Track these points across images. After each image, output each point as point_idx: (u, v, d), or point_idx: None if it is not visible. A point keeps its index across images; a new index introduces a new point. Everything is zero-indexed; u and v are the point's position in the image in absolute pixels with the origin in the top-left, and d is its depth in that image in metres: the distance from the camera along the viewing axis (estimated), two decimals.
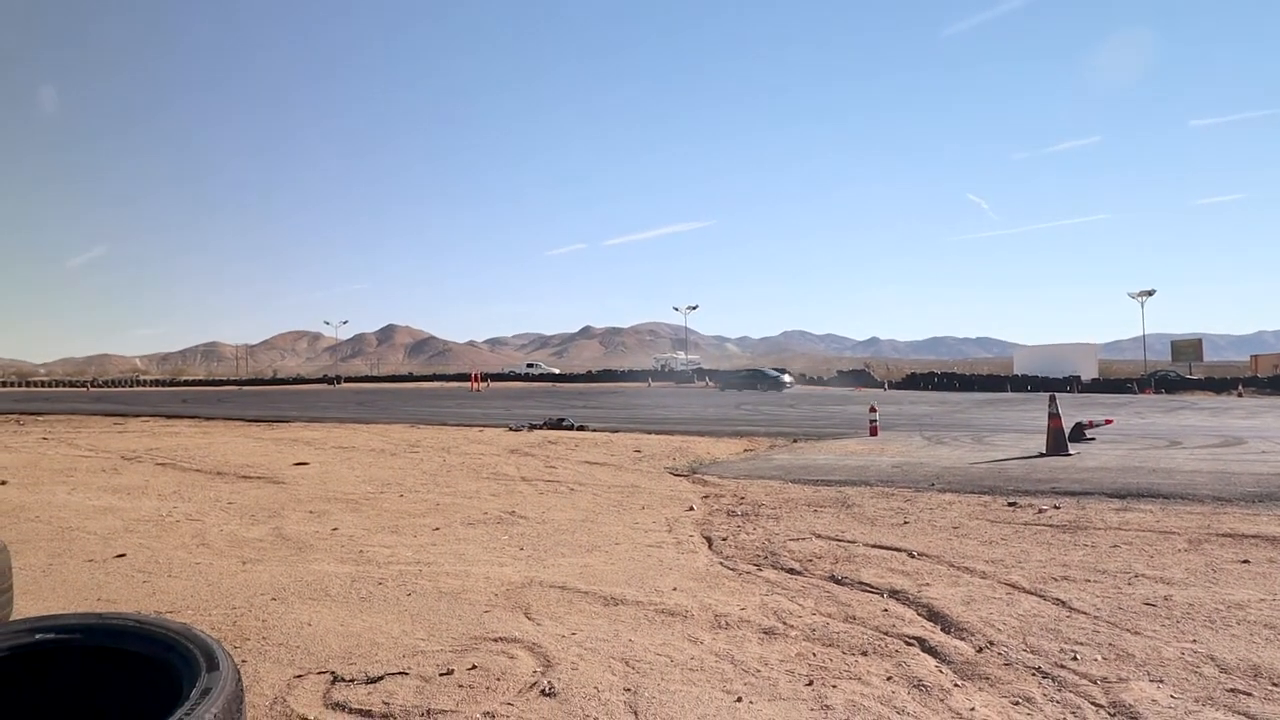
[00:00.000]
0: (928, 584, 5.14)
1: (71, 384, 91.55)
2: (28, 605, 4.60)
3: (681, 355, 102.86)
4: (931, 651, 3.97)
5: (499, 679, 3.63)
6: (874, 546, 6.25)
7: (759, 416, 23.68)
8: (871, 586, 5.14)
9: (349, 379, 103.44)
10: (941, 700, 3.38)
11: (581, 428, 17.46)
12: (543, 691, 3.48)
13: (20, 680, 1.76)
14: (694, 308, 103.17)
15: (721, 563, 5.84)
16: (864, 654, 3.95)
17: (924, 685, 3.54)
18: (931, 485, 9.24)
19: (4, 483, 9.67)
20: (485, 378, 72.22)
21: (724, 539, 6.57)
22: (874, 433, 16.07)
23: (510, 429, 17.37)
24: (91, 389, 76.73)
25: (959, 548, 6.16)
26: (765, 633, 4.27)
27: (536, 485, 9.43)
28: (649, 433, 16.54)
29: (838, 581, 5.29)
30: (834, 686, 3.53)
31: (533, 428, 17.41)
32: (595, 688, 3.52)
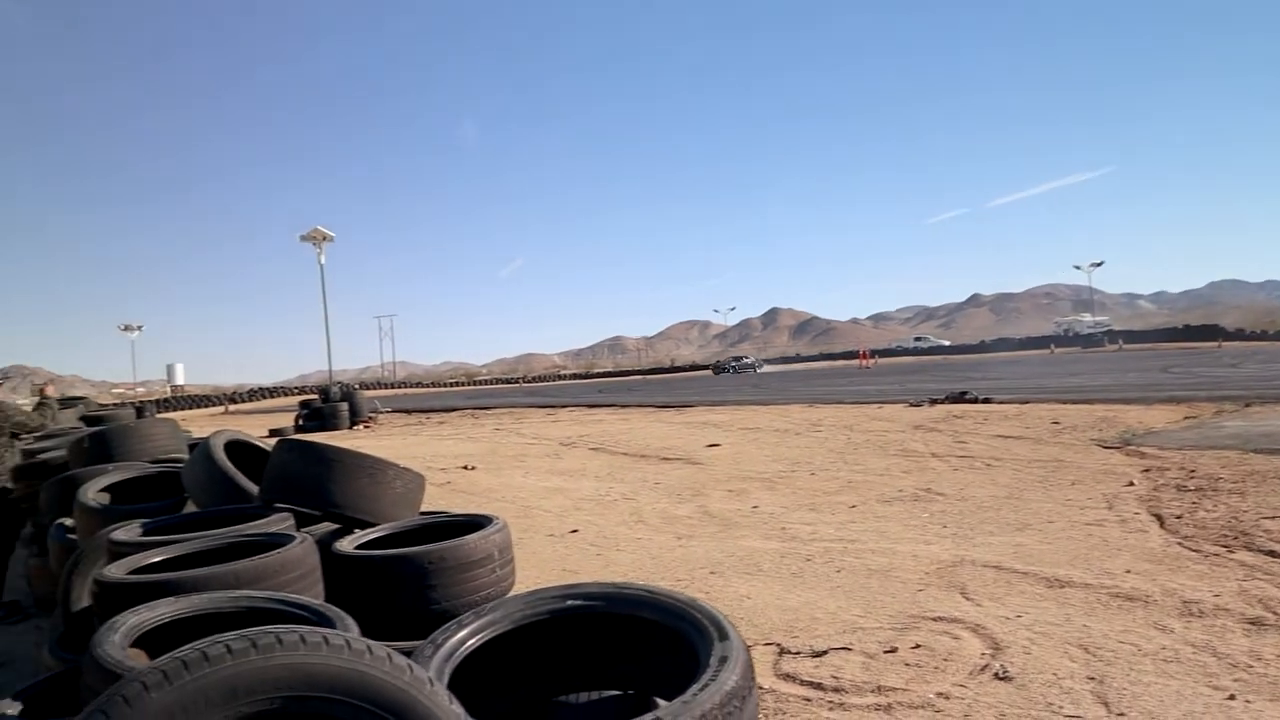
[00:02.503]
0: None
1: (506, 381, 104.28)
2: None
3: (1087, 317, 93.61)
4: None
5: (946, 659, 3.56)
6: None
7: (1194, 379, 20.89)
8: None
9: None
10: None
11: (986, 400, 16.56)
12: (996, 675, 3.35)
13: (557, 639, 2.04)
14: (1098, 264, 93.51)
15: (1180, 543, 5.23)
16: None
17: None
18: None
19: (474, 468, 11.27)
20: (873, 354, 71.15)
21: (1178, 517, 5.88)
22: None
23: (910, 404, 16.95)
24: (523, 384, 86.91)
25: None
26: (1251, 623, 3.76)
27: (949, 461, 9.11)
28: (1064, 402, 15.27)
29: None
30: None
31: (933, 402, 16.84)
32: (1054, 674, 3.33)
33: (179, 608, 2.21)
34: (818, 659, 3.69)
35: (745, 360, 71.52)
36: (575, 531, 6.82)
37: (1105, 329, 78.88)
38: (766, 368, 67.53)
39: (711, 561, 5.56)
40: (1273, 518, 5.63)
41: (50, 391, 7.80)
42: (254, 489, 3.92)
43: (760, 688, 3.44)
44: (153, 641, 2.25)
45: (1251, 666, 3.28)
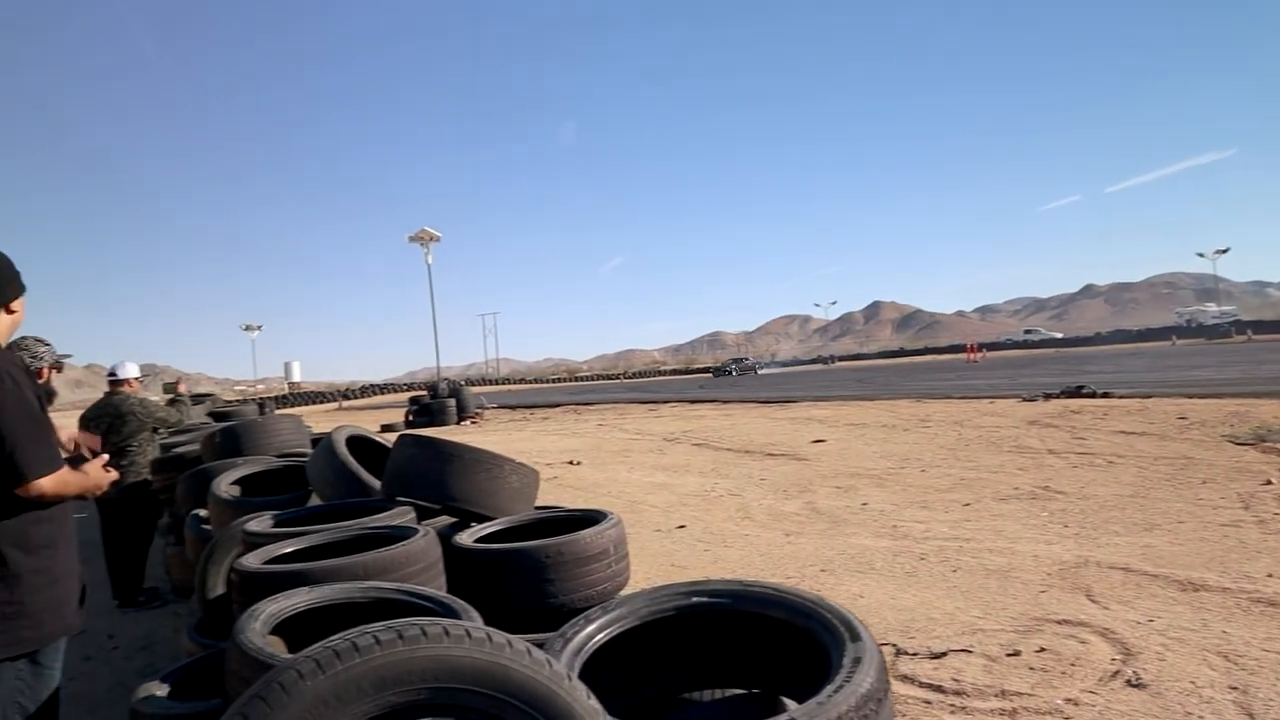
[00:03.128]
0: None
1: (607, 377, 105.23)
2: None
3: (1212, 307, 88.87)
4: None
5: (1074, 664, 3.43)
6: None
7: None
8: None
9: (841, 358, 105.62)
10: None
11: (1105, 394, 15.88)
12: (1129, 682, 3.21)
13: (682, 636, 2.04)
14: (1223, 251, 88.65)
15: None
16: None
17: None
18: None
19: (579, 463, 11.41)
20: (981, 347, 69.08)
21: None
22: None
23: (1023, 399, 16.39)
24: (623, 380, 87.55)
25: None
26: None
27: (1067, 458, 8.77)
28: (1190, 396, 14.53)
29: None
30: None
31: (1048, 396, 16.23)
32: (1192, 682, 3.17)
33: (313, 597, 2.29)
34: (936, 661, 3.61)
35: (746, 361, 73.59)
36: (682, 527, 6.83)
37: (1232, 319, 74.81)
38: (767, 370, 69.22)
39: (822, 559, 5.49)
40: None
41: (183, 389, 8.20)
42: (374, 483, 4.04)
43: None
44: (287, 629, 2.35)
45: None
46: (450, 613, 2.23)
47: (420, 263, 39.31)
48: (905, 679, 3.46)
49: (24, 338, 3.77)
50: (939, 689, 3.32)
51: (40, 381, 3.64)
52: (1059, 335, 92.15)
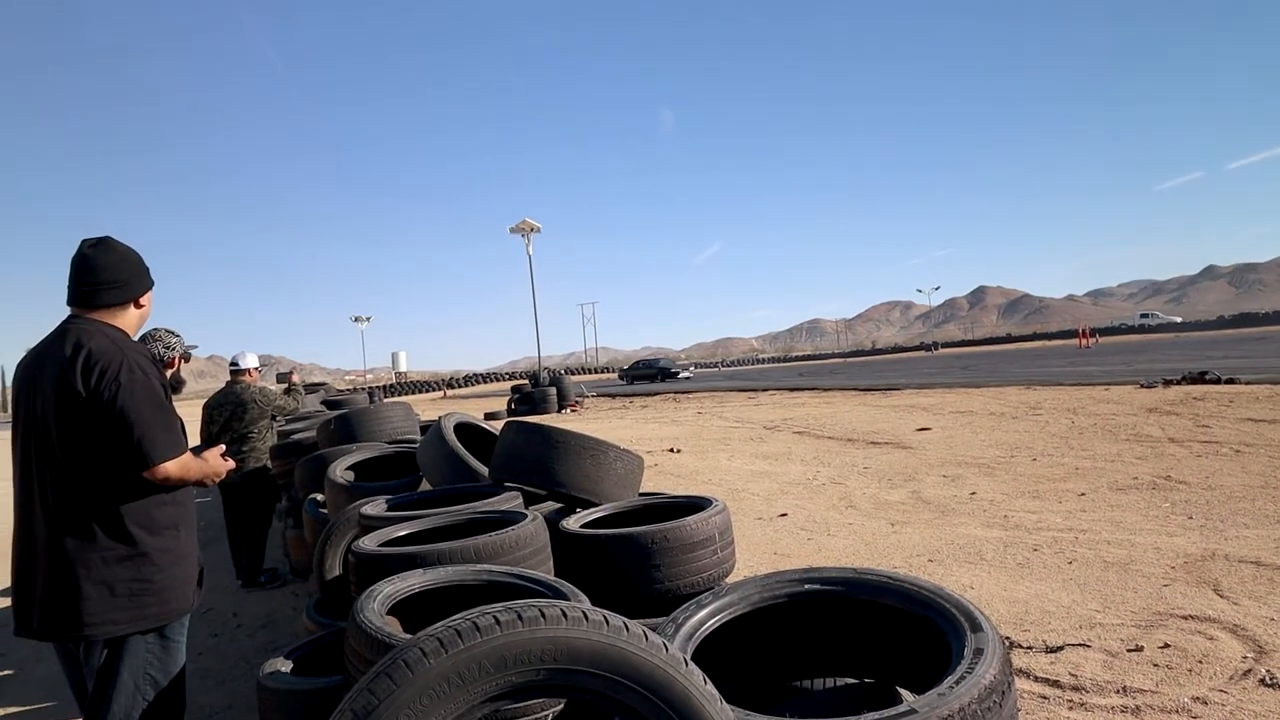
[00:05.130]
0: None
1: (705, 365, 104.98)
2: None
3: None
4: None
5: (1201, 661, 3.28)
6: None
7: None
8: None
9: (945, 344, 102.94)
10: None
11: (1230, 380, 15.07)
12: (1262, 681, 3.05)
13: (794, 623, 2.03)
14: None
15: None
16: None
17: None
18: None
19: (679, 451, 11.43)
20: (1093, 333, 66.37)
21: None
22: None
23: (1141, 385, 15.69)
24: (721, 368, 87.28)
25: None
26: None
27: (1190, 447, 8.36)
28: None
29: None
30: None
31: (1168, 383, 15.49)
32: None
33: (427, 579, 2.36)
34: (1053, 655, 3.49)
35: (659, 363, 51.58)
36: (784, 515, 6.77)
37: None
38: (690, 372, 51.32)
39: (929, 549, 5.37)
40: None
41: (297, 379, 8.52)
42: (481, 468, 4.13)
43: None
44: (403, 610, 2.43)
45: None
46: (560, 596, 2.27)
47: (522, 254, 39.77)
48: (1020, 673, 3.36)
49: (156, 329, 3.97)
50: (1056, 684, 3.21)
51: (170, 371, 3.83)
52: (1178, 319, 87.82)
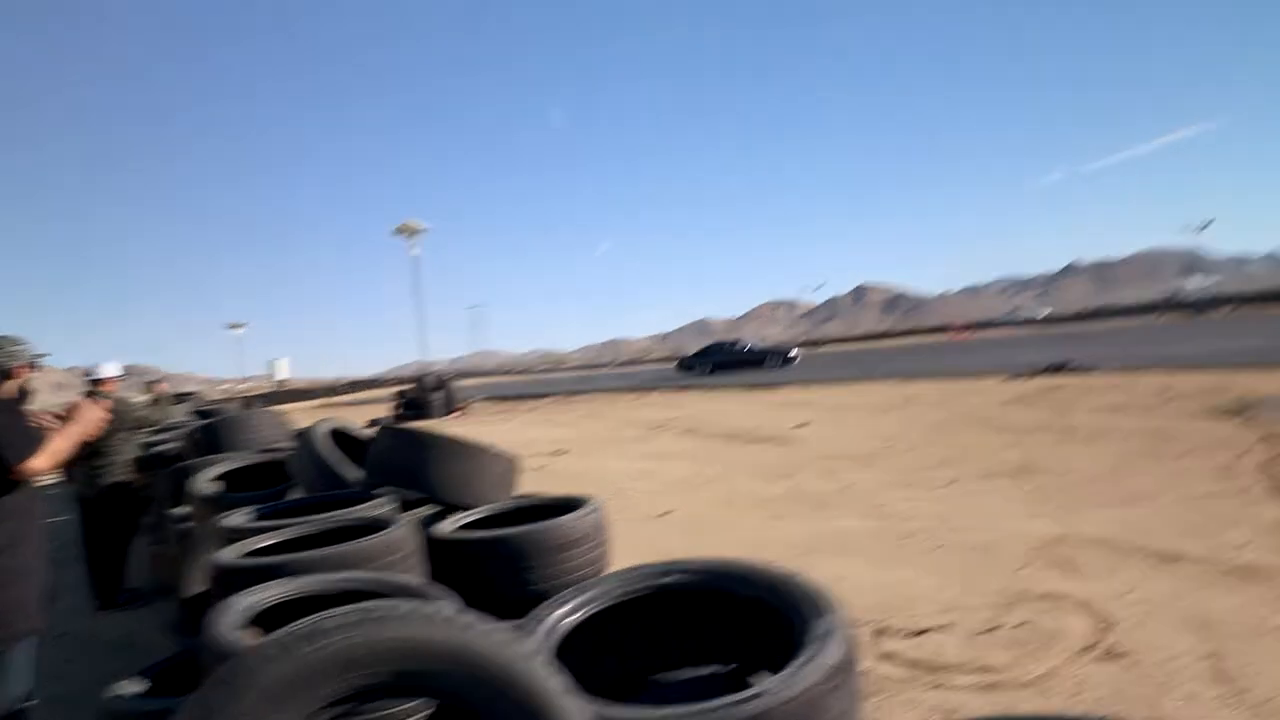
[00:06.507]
0: None
1: (594, 366, 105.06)
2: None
3: (1195, 280, 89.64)
4: None
5: (1052, 638, 3.47)
6: None
7: None
8: None
9: (826, 342, 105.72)
10: None
11: (1088, 370, 15.99)
12: (1106, 652, 3.25)
13: (657, 615, 2.06)
14: (1206, 225, 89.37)
15: None
16: None
17: None
18: None
19: (566, 453, 11.40)
20: (965, 327, 69.39)
21: None
22: None
23: (1007, 377, 16.46)
24: (611, 369, 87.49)
25: None
26: None
27: (1049, 434, 8.82)
28: (1171, 371, 14.62)
29: None
30: None
31: (1031, 374, 16.31)
32: (1169, 652, 3.21)
33: (288, 589, 2.30)
34: (917, 638, 3.64)
35: (744, 346, 36.77)
36: (668, 513, 6.84)
37: (1215, 293, 75.36)
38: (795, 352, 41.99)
39: (806, 541, 5.51)
40: None
41: (163, 388, 8.16)
42: (357, 475, 4.04)
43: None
44: (266, 622, 2.35)
45: None
46: (427, 600, 2.24)
47: (406, 256, 38.91)
48: (886, 657, 3.49)
49: None
50: (919, 665, 3.35)
51: (14, 382, 3.62)
52: (1043, 313, 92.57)
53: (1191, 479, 6.14)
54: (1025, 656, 3.29)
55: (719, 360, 35.27)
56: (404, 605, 1.26)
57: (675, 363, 40.56)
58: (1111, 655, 3.22)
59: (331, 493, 3.85)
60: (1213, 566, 4.18)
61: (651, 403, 20.85)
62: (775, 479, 7.94)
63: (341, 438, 4.85)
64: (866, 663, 3.42)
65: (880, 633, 3.77)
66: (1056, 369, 16.54)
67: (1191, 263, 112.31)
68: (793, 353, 35.85)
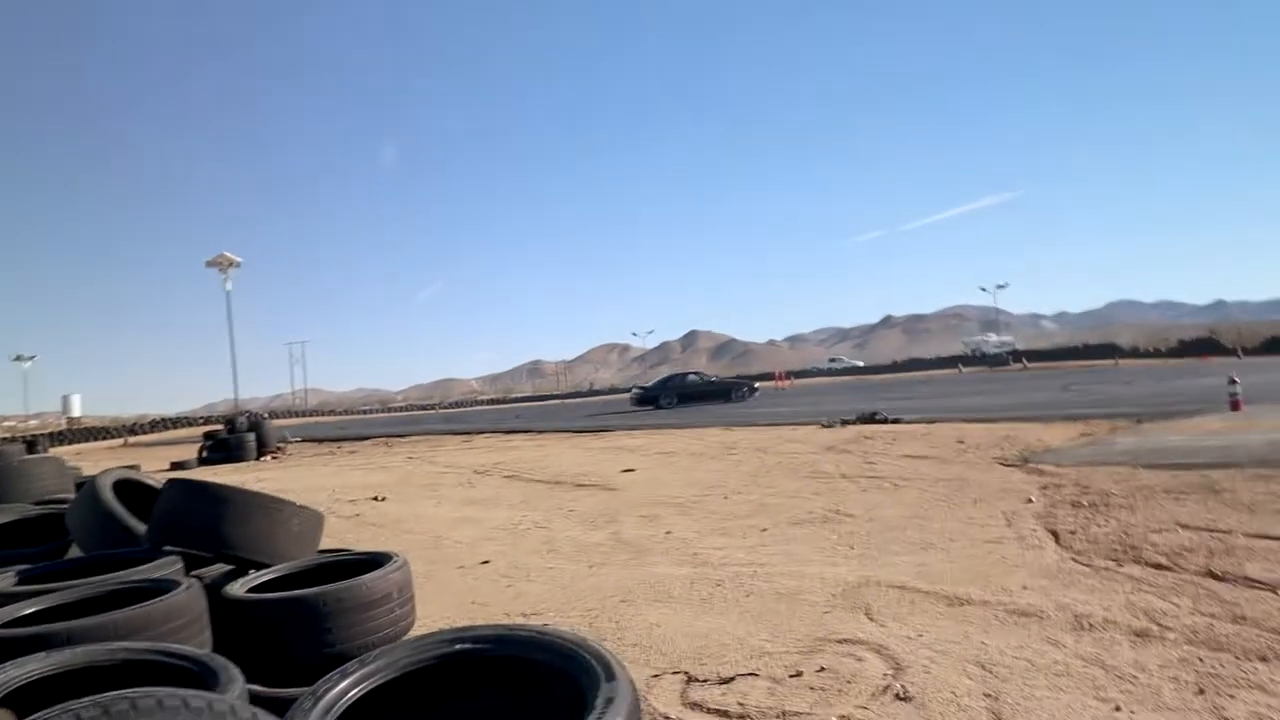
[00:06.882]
0: None
1: (422, 407, 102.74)
2: (418, 609, 5.21)
3: (993, 337, 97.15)
4: None
5: (849, 681, 3.61)
6: (1256, 536, 5.53)
7: (1091, 398, 21.79)
8: (1260, 582, 4.55)
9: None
10: None
11: (896, 420, 16.96)
12: (897, 695, 3.41)
13: (446, 684, 2.00)
14: (1003, 286, 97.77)
15: (1073, 558, 5.43)
16: (1263, 660, 3.51)
17: None
18: None
19: (384, 499, 11.05)
20: (789, 375, 72.23)
21: (1072, 532, 6.10)
22: (1236, 407, 14.22)
23: (822, 425, 17.23)
24: (439, 410, 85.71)
25: None
26: (1137, 635, 3.91)
27: (858, 482, 9.28)
28: (969, 421, 15.73)
29: (1216, 577, 4.74)
30: (1231, 696, 3.16)
31: (845, 423, 17.14)
32: (952, 692, 3.40)
33: (49, 663, 2.10)
34: (725, 686, 3.71)
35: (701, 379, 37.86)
36: (486, 562, 6.73)
37: (1010, 348, 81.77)
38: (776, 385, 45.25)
39: (623, 590, 5.54)
40: (1159, 531, 5.88)
41: None
42: (145, 531, 3.77)
43: (667, 717, 3.44)
44: (24, 701, 2.14)
45: (1136, 678, 3.41)
46: (208, 673, 2.10)
47: (220, 289, 36.96)
48: (694, 706, 3.53)
49: None
50: (725, 714, 3.41)
51: None
52: (860, 364, 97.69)
53: (981, 525, 6.58)
54: (823, 702, 3.41)
55: (683, 392, 35.27)
56: (153, 694, 1.17)
57: (630, 395, 39.33)
58: (902, 698, 3.38)
59: (110, 552, 3.57)
60: (995, 609, 4.47)
61: (478, 446, 20.55)
62: (597, 526, 7.97)
63: (132, 489, 4.53)
64: (675, 712, 3.47)
65: (690, 680, 3.82)
66: (867, 419, 17.45)
67: (991, 320, 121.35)
68: (756, 385, 37.31)
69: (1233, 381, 14.81)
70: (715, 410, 30.02)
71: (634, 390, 38.85)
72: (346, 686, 1.79)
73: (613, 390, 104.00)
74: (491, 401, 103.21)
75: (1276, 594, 4.33)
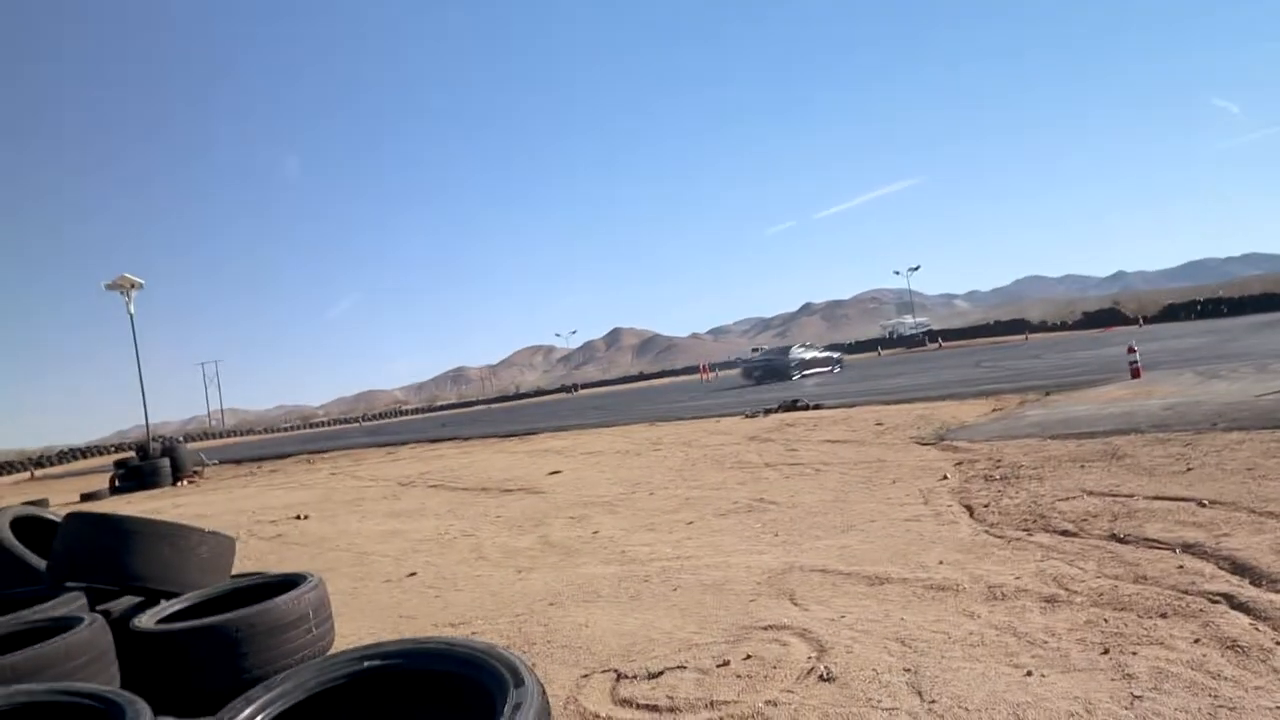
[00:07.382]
0: (1226, 534, 4.70)
1: (345, 421, 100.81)
2: (343, 626, 5.10)
3: (909, 319, 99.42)
4: (1242, 608, 3.63)
5: (775, 667, 3.67)
6: (1156, 499, 5.79)
7: (1002, 373, 22.49)
8: (1160, 542, 4.76)
9: (584, 385, 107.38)
10: (1263, 661, 3.08)
11: (817, 406, 17.26)
12: (821, 677, 3.48)
13: (357, 702, 1.98)
14: (915, 269, 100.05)
15: (986, 531, 5.61)
16: (1163, 616, 3.67)
17: (1239, 646, 3.24)
18: (1214, 425, 8.42)
19: (307, 517, 10.81)
20: (713, 368, 72.83)
21: (985, 506, 6.30)
22: (1136, 374, 14.85)
23: (746, 416, 17.43)
24: (363, 423, 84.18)
25: (1258, 490, 5.58)
26: (1047, 601, 4.06)
27: (781, 470, 9.42)
28: (888, 403, 16.10)
29: (1120, 540, 4.95)
30: (1134, 653, 3.30)
31: (768, 412, 17.37)
32: (874, 670, 3.48)
33: None
34: (654, 680, 3.73)
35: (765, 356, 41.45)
36: (414, 574, 6.65)
37: (925, 329, 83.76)
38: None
39: (551, 592, 5.53)
40: (1066, 499, 6.11)
41: None
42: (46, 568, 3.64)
43: (597, 716, 3.45)
44: None
45: (1046, 643, 3.54)
46: (114, 710, 2.04)
47: (123, 312, 35.50)
48: (624, 703, 3.55)
49: None
50: (654, 708, 3.43)
51: None
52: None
53: (899, 505, 6.75)
54: (749, 689, 3.46)
55: (804, 363, 36.57)
56: None
57: (739, 371, 40.68)
58: (826, 679, 3.45)
59: (8, 592, 3.43)
60: (914, 585, 4.59)
61: (403, 458, 20.26)
62: (525, 530, 7.93)
63: (33, 525, 4.36)
64: (605, 710, 3.48)
65: (620, 678, 3.84)
66: (789, 406, 17.71)
67: (906, 302, 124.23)
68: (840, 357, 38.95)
69: (1132, 350, 15.45)
70: (638, 408, 30.11)
71: (755, 356, 39.79)
72: (252, 713, 1.75)
73: (539, 392, 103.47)
74: (417, 411, 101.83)
75: (1175, 553, 4.54)
